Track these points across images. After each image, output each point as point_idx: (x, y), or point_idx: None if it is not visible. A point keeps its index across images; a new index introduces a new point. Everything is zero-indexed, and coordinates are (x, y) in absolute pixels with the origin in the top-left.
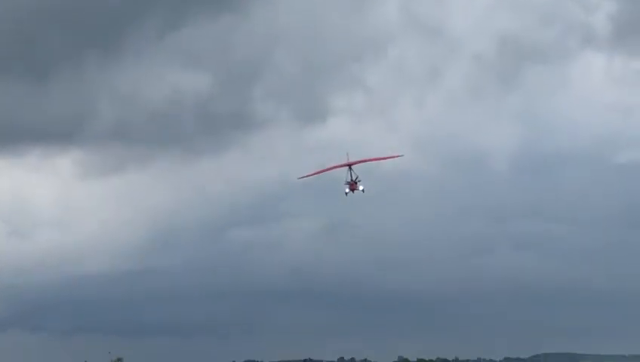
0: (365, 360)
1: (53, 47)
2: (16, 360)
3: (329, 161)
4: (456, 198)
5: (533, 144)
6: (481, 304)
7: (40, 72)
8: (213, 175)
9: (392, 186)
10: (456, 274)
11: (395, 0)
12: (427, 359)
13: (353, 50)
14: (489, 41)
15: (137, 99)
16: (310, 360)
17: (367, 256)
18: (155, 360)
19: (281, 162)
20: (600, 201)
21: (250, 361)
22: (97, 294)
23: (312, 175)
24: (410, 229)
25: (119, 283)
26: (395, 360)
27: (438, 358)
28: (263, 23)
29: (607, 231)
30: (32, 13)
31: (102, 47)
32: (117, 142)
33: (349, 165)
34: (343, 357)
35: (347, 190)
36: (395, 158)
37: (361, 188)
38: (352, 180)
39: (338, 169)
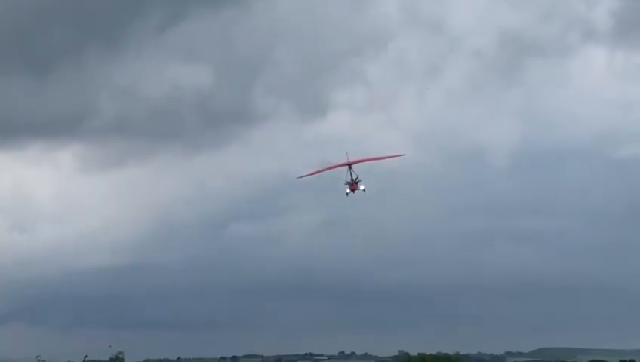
0: (366, 354)
1: (54, 42)
2: (17, 354)
3: (330, 156)
4: (457, 194)
5: (534, 140)
6: (481, 299)
7: (41, 67)
8: (214, 170)
9: (392, 182)
10: (456, 270)
11: None
12: (428, 354)
13: (354, 46)
14: (489, 36)
15: (138, 94)
16: (311, 355)
17: (368, 251)
18: (155, 355)
19: (282, 157)
20: (601, 197)
21: (250, 356)
22: (98, 288)
23: (311, 174)
24: (410, 224)
25: (120, 278)
26: (396, 354)
27: (438, 353)
28: (264, 17)
29: (607, 226)
30: (32, 7)
31: (102, 41)
32: (117, 136)
33: (349, 165)
34: (343, 352)
35: (348, 190)
36: (396, 158)
37: (362, 187)
38: (352, 180)
39: (338, 168)
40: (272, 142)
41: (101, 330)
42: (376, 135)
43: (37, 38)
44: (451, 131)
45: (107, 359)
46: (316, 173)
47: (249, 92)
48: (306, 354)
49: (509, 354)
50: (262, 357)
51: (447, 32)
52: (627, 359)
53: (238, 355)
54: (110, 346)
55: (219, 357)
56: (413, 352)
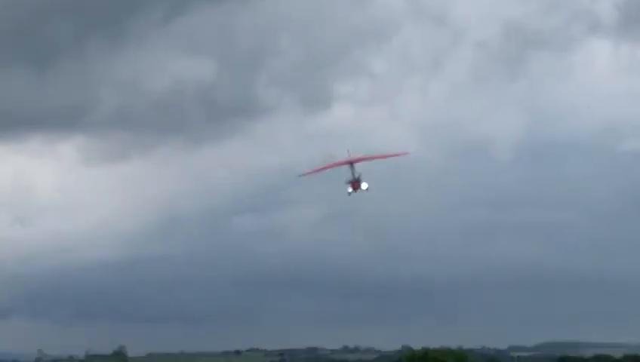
0: (369, 348)
1: (57, 34)
2: (20, 347)
3: (333, 150)
4: (460, 187)
5: (538, 132)
6: (485, 293)
7: (43, 59)
8: (216, 163)
9: (395, 175)
10: (460, 263)
11: None
12: (431, 348)
13: (357, 38)
14: (493, 28)
15: (140, 87)
16: (314, 348)
17: (371, 245)
18: (158, 348)
19: (284, 150)
20: (604, 189)
21: (253, 349)
22: (100, 282)
23: (312, 172)
24: (413, 218)
25: (122, 271)
26: (399, 348)
27: (442, 347)
28: (266, 10)
29: (611, 219)
30: (33, 1)
31: (105, 34)
32: (119, 129)
33: (351, 163)
34: (347, 346)
35: (350, 190)
36: (400, 155)
37: (364, 186)
38: (354, 179)
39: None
40: (275, 135)
41: (103, 324)
42: (379, 128)
43: (39, 31)
44: (455, 124)
45: (109, 353)
46: (317, 170)
47: (251, 85)
48: (310, 348)
49: (512, 347)
50: (265, 350)
51: (451, 24)
52: (631, 353)
53: (241, 349)
54: (113, 340)
55: (222, 350)
56: (417, 346)
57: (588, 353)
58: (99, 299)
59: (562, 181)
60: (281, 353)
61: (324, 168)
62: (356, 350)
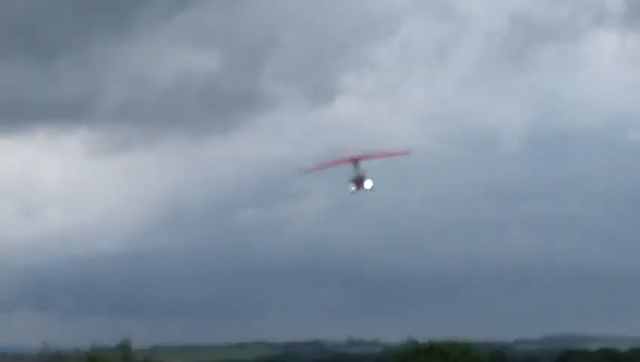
0: (374, 341)
1: (61, 26)
2: (25, 340)
3: (338, 142)
4: (466, 178)
5: (545, 123)
6: (490, 285)
7: (47, 51)
8: (221, 155)
9: (400, 167)
10: (465, 256)
11: None
12: (437, 341)
13: (362, 30)
14: (500, 20)
15: (145, 79)
16: (319, 341)
17: (377, 237)
18: (162, 341)
19: (290, 142)
20: (612, 181)
21: (258, 342)
22: (105, 274)
23: (314, 169)
24: (419, 210)
25: (127, 263)
26: (404, 341)
27: (447, 339)
28: (272, 2)
29: (618, 211)
30: None
31: (110, 25)
32: (125, 121)
33: (355, 160)
34: (351, 339)
35: (353, 188)
36: (403, 154)
37: (368, 185)
38: (357, 177)
39: (340, 163)
40: (281, 127)
41: (108, 316)
42: (384, 121)
43: (44, 23)
44: (461, 116)
45: (114, 346)
46: (320, 168)
47: (257, 77)
48: (314, 341)
49: (518, 341)
50: (269, 343)
51: (457, 16)
52: (637, 346)
53: (245, 341)
54: (117, 332)
55: (226, 343)
56: (422, 339)
57: (593, 346)
58: (104, 291)
59: (569, 173)
60: (286, 345)
61: (327, 166)
62: (361, 343)
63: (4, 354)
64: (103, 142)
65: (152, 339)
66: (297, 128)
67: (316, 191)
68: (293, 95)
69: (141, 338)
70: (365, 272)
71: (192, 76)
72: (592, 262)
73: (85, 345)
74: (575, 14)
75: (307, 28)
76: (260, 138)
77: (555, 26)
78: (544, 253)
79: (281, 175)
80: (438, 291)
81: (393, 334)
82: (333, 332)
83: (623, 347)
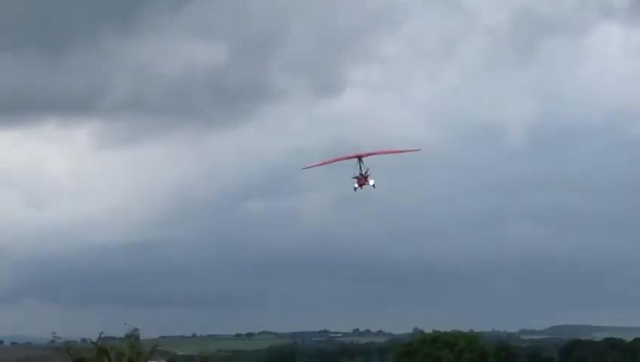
0: (380, 331)
1: (70, 19)
2: (32, 331)
3: (344, 133)
4: (472, 171)
5: (550, 116)
6: (496, 276)
7: (56, 45)
8: (228, 147)
9: (406, 160)
10: (471, 247)
11: None
12: (442, 331)
13: (369, 23)
14: (505, 13)
15: (153, 71)
16: (325, 331)
17: (382, 228)
18: (170, 332)
19: (297, 134)
20: (616, 173)
21: (265, 332)
22: (113, 265)
23: (317, 165)
24: (425, 203)
25: (135, 254)
26: (410, 332)
27: (453, 330)
28: None
29: (623, 203)
30: None
31: (118, 18)
32: (132, 113)
33: (359, 157)
34: (358, 329)
35: (356, 185)
36: (412, 151)
37: (371, 182)
38: (361, 174)
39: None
40: (287, 119)
41: (116, 307)
42: (391, 113)
43: (52, 17)
44: (466, 109)
45: (123, 336)
46: (323, 163)
47: (263, 70)
48: (321, 331)
49: (523, 331)
50: (277, 334)
51: (463, 10)
52: None
53: (253, 332)
54: (125, 323)
55: (234, 333)
56: (428, 329)
57: (599, 337)
58: (112, 282)
59: (574, 166)
60: (293, 336)
61: (330, 161)
62: (367, 333)
63: (14, 344)
64: (111, 134)
65: (159, 330)
66: (304, 120)
67: (323, 184)
68: (299, 88)
69: (149, 329)
70: (371, 264)
71: (200, 69)
72: (597, 253)
73: (93, 336)
74: (580, 8)
75: (314, 21)
76: (266, 130)
77: (560, 19)
78: (549, 245)
79: (288, 167)
80: (443, 282)
81: (399, 325)
82: (340, 322)
83: (628, 337)
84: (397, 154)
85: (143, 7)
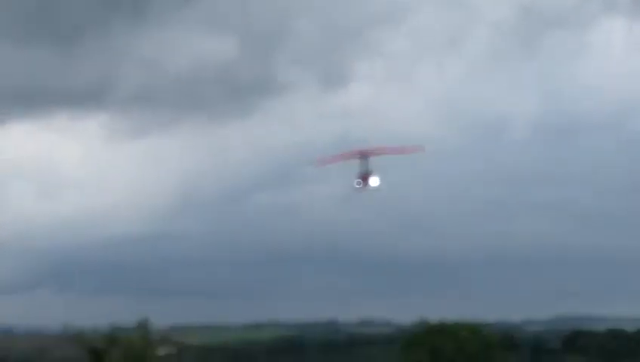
0: (386, 321)
1: (80, 12)
2: (44, 320)
3: (351, 127)
4: (476, 165)
5: (554, 111)
6: (500, 267)
7: (66, 36)
8: (237, 140)
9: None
10: (476, 238)
11: None
12: (447, 321)
13: (375, 17)
14: (509, 7)
15: (163, 64)
16: (333, 321)
17: (389, 220)
18: (180, 321)
19: (304, 128)
20: (620, 168)
21: (272, 323)
22: (123, 256)
23: (321, 163)
24: (430, 195)
25: (145, 245)
26: (416, 322)
27: (458, 320)
28: None
29: (625, 197)
30: None
31: (128, 11)
32: (142, 106)
33: (363, 155)
34: (363, 319)
35: (358, 184)
36: (416, 150)
37: (374, 181)
38: (364, 172)
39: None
40: (295, 113)
41: (126, 297)
42: (397, 107)
43: (63, 9)
44: (471, 103)
45: (133, 325)
46: (327, 162)
47: (271, 63)
48: (328, 321)
49: (526, 321)
50: (284, 324)
51: (467, 3)
52: None
53: (260, 322)
54: (136, 313)
55: (242, 323)
56: (433, 319)
57: (602, 327)
58: (122, 272)
59: (578, 159)
60: (300, 326)
61: (335, 160)
62: (373, 323)
63: (25, 334)
64: (122, 127)
65: (169, 319)
66: (311, 114)
67: (330, 177)
68: (307, 81)
69: (159, 319)
70: (377, 254)
71: (208, 62)
72: (600, 244)
73: (104, 325)
74: (584, 2)
75: (321, 15)
76: (274, 123)
77: (564, 13)
78: (552, 236)
79: (295, 160)
80: (448, 273)
81: (404, 315)
82: (346, 312)
83: (631, 327)
84: (403, 152)
85: (152, 0)
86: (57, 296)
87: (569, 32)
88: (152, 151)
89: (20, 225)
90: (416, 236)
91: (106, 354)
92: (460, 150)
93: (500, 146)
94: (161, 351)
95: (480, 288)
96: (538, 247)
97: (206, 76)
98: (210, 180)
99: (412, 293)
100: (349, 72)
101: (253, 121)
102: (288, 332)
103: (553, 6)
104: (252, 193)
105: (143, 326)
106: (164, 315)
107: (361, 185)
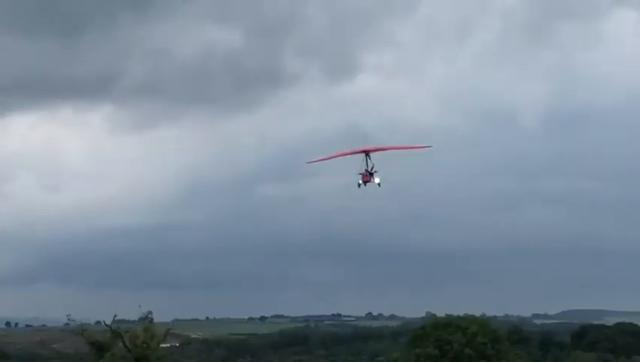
0: (393, 315)
1: (85, 4)
2: (47, 313)
3: (359, 118)
4: (486, 155)
5: (564, 101)
6: (509, 260)
7: (72, 29)
8: (243, 131)
9: (422, 141)
10: (484, 231)
11: None
12: (455, 315)
13: (383, 7)
14: None
15: (168, 55)
16: (338, 315)
17: (396, 212)
18: (184, 315)
19: (311, 118)
20: (631, 157)
21: (278, 316)
22: (127, 247)
23: (321, 160)
24: (439, 185)
25: (149, 237)
26: (423, 315)
27: (465, 314)
28: None
29: (636, 188)
30: None
31: (133, 2)
32: (148, 97)
33: (366, 152)
34: (370, 313)
35: (360, 181)
36: (422, 148)
37: (376, 180)
38: (366, 170)
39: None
40: (302, 103)
41: (130, 290)
42: (405, 97)
43: (68, 1)
44: (481, 93)
45: (136, 319)
46: (327, 158)
47: (279, 54)
48: (334, 315)
49: (535, 315)
50: (290, 317)
51: None
52: None
53: (265, 315)
54: (140, 306)
55: (247, 317)
56: (440, 313)
57: (611, 321)
58: (127, 265)
59: (588, 148)
60: (306, 319)
61: (335, 156)
62: (380, 317)
63: (28, 327)
64: (127, 119)
65: (173, 313)
66: (319, 104)
67: (336, 168)
68: (314, 71)
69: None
70: (384, 248)
71: (215, 53)
72: (610, 237)
73: (108, 318)
74: None
75: (329, 5)
76: (281, 114)
77: (574, 4)
78: (562, 229)
79: (303, 150)
80: (456, 266)
81: (412, 308)
82: (353, 306)
83: None
84: (409, 149)
85: None
86: (60, 288)
87: (579, 23)
88: (157, 143)
89: (22, 216)
90: (424, 230)
91: (109, 348)
92: (469, 140)
93: (509, 136)
94: (165, 345)
95: (488, 282)
96: (548, 240)
97: (212, 67)
98: (215, 171)
99: (419, 287)
100: (357, 63)
101: (260, 112)
102: (293, 326)
103: None
104: (258, 184)
105: (146, 320)
106: (169, 308)
107: (363, 184)
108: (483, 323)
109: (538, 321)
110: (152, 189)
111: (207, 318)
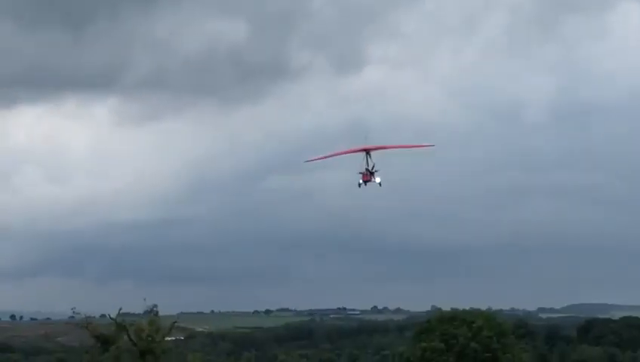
0: (398, 309)
1: None
2: (51, 306)
3: (364, 111)
4: (492, 149)
5: (570, 94)
6: (514, 254)
7: (78, 21)
8: (249, 124)
9: (426, 136)
10: (489, 225)
11: None
12: (460, 309)
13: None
14: None
15: (173, 48)
16: (343, 309)
17: (402, 206)
18: (189, 308)
19: (317, 111)
20: (636, 152)
21: (284, 309)
22: (133, 241)
23: (321, 158)
24: (444, 180)
25: (155, 231)
26: (429, 309)
27: (471, 308)
28: None
29: None
30: None
31: None
32: (153, 90)
33: (367, 150)
34: (376, 306)
35: (360, 181)
36: (425, 147)
37: (377, 180)
38: (367, 169)
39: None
40: (307, 96)
41: (135, 284)
42: (411, 90)
43: None
44: (487, 86)
45: (142, 312)
46: (327, 157)
47: (284, 47)
48: (339, 308)
49: (541, 309)
50: (295, 311)
51: None
52: None
53: (271, 309)
54: (145, 299)
55: (252, 310)
56: (446, 307)
57: (617, 315)
58: (132, 258)
59: (594, 143)
60: (311, 313)
61: (335, 155)
62: (385, 310)
63: (33, 320)
64: (132, 111)
65: (179, 307)
66: (324, 97)
67: (342, 162)
68: (319, 64)
69: (168, 305)
70: (389, 241)
71: (220, 45)
72: (615, 232)
73: (113, 312)
74: None
75: None
76: (286, 107)
77: None
78: (568, 223)
79: (308, 144)
80: (462, 261)
81: (417, 302)
82: (358, 300)
83: None
84: (412, 148)
85: None
86: (65, 281)
87: (585, 17)
88: (162, 136)
89: (27, 209)
90: (430, 222)
91: (114, 341)
92: (476, 133)
93: (516, 130)
94: (171, 338)
95: (494, 276)
96: (553, 234)
97: (217, 60)
98: (220, 165)
99: (424, 281)
100: (363, 56)
101: (265, 105)
102: (298, 319)
103: None
104: (263, 178)
105: (151, 313)
106: (174, 301)
107: (364, 183)
108: (489, 317)
109: (544, 315)
110: (158, 183)
111: (213, 312)
